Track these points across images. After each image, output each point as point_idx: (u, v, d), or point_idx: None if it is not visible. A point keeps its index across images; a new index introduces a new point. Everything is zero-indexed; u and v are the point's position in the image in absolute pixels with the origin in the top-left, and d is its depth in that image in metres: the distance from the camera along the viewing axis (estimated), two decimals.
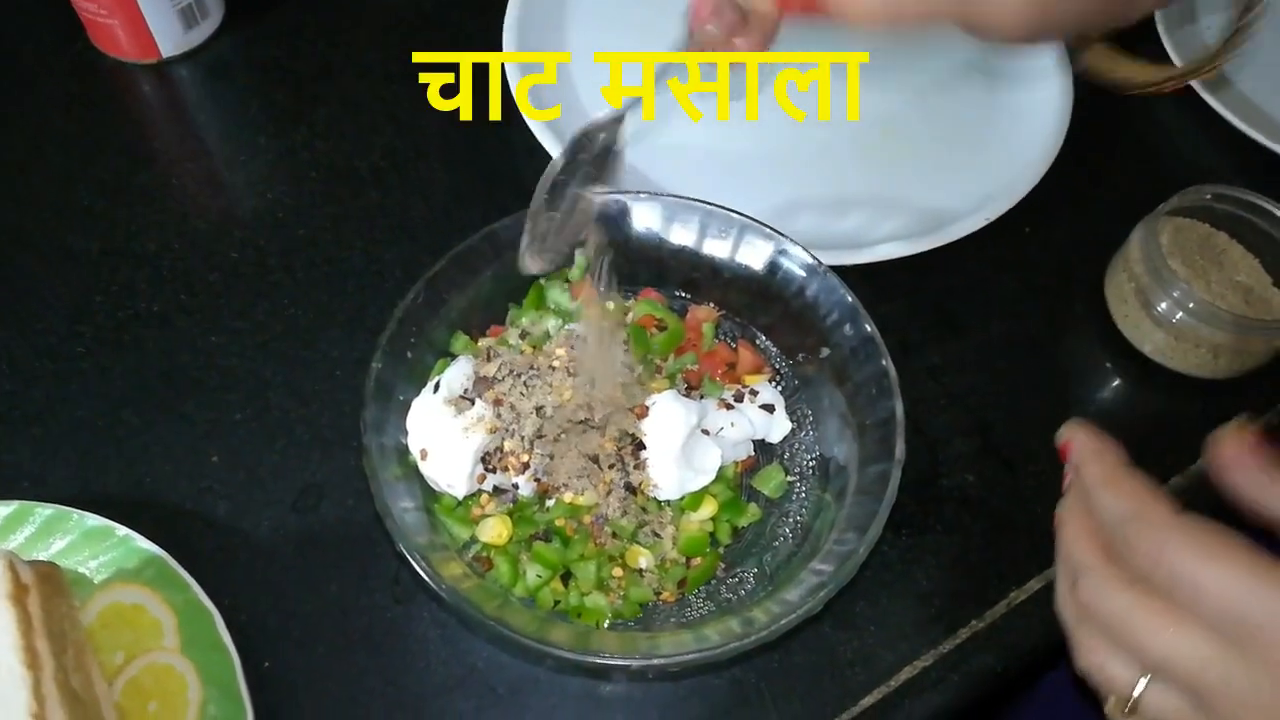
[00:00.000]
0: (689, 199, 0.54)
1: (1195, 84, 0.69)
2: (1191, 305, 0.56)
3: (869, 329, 0.50)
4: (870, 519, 0.45)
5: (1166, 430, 0.58)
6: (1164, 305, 0.57)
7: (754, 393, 0.52)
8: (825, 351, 0.52)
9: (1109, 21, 0.42)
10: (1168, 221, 0.60)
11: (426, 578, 0.43)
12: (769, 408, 0.52)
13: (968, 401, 0.58)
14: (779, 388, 0.55)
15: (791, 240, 0.53)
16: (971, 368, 0.60)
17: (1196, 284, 0.58)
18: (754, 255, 0.54)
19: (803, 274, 0.53)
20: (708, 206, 0.54)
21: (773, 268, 0.53)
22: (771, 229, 0.53)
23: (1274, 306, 0.59)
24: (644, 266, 0.56)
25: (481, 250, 0.52)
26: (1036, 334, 0.61)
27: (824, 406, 0.53)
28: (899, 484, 0.46)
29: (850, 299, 0.51)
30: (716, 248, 0.54)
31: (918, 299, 0.62)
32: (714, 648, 0.43)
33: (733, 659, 0.42)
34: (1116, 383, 0.60)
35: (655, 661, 0.43)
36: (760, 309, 0.55)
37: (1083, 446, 0.39)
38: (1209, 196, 0.59)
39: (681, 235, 0.55)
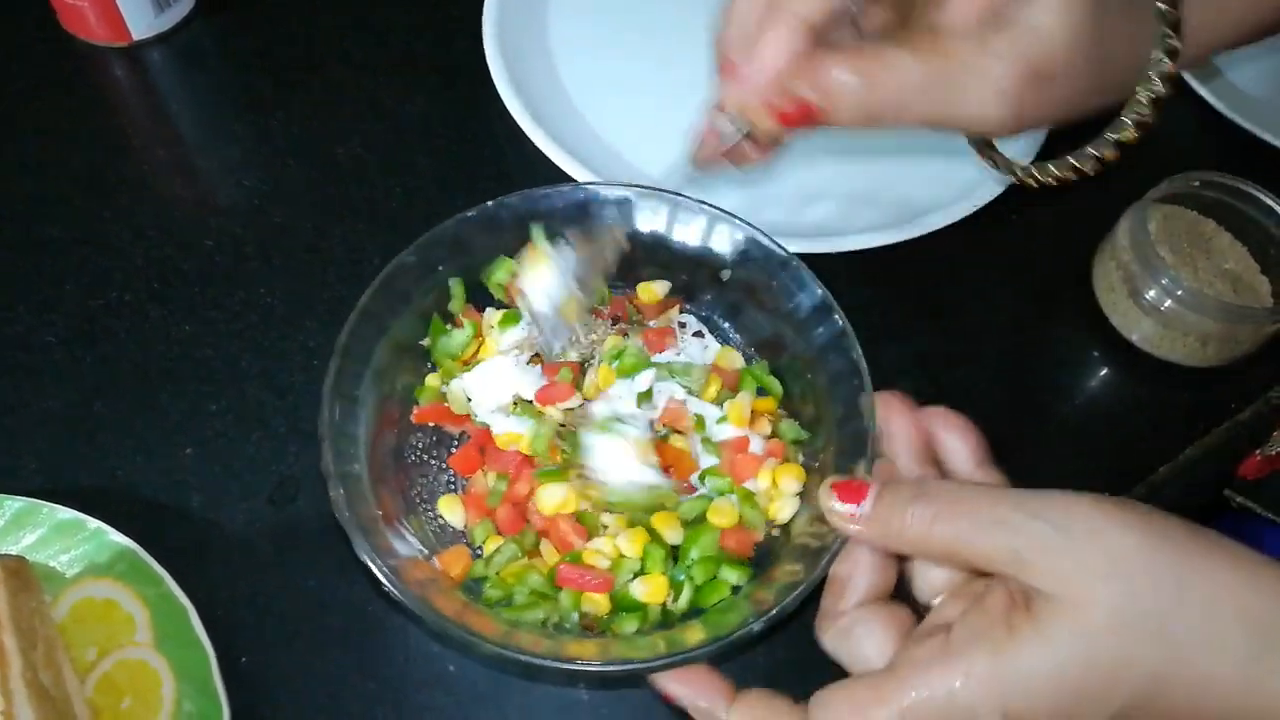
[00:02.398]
0: (657, 189, 0.53)
1: (1186, 73, 0.69)
2: (1180, 293, 0.55)
3: (841, 322, 0.49)
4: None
5: (1154, 419, 0.58)
6: (1152, 293, 0.56)
7: (681, 325, 0.54)
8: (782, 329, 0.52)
9: (1087, 113, 0.44)
10: (1156, 209, 0.60)
11: (385, 581, 0.42)
12: (699, 334, 0.54)
13: (954, 391, 0.57)
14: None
15: (760, 231, 0.52)
16: (958, 356, 0.59)
17: (1184, 271, 0.57)
18: (724, 245, 0.53)
19: (773, 265, 0.52)
20: (676, 197, 0.53)
21: (743, 258, 0.53)
22: (740, 220, 0.52)
23: (1261, 294, 0.58)
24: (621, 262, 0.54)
25: (442, 244, 0.52)
26: (1024, 322, 0.61)
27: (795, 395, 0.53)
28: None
29: (820, 291, 0.50)
30: (686, 235, 0.53)
31: (903, 288, 0.61)
32: (688, 651, 0.41)
33: (712, 659, 0.41)
34: (1104, 371, 0.59)
35: (631, 667, 0.41)
36: (729, 300, 0.54)
37: (684, 691, 0.40)
38: (1197, 183, 0.59)
39: (651, 224, 0.54)
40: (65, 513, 0.49)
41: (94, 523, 0.49)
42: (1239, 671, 0.31)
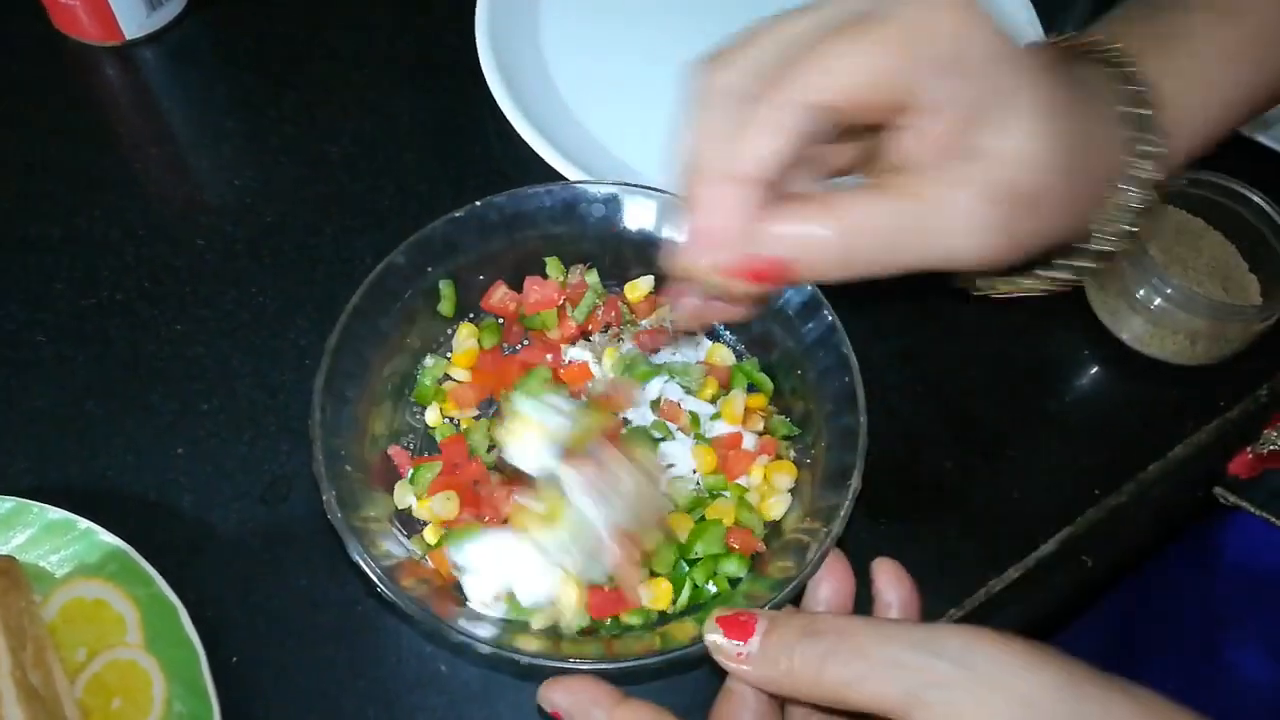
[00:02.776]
0: (645, 186, 0.53)
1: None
2: (1170, 291, 0.55)
3: (830, 318, 0.50)
4: (834, 510, 0.44)
5: (1144, 417, 0.58)
6: (1142, 292, 0.56)
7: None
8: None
9: (1080, 230, 0.43)
10: None
11: (374, 577, 0.42)
12: (690, 331, 0.54)
13: (945, 389, 0.58)
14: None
15: None
16: (948, 355, 0.59)
17: (1174, 270, 0.58)
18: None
19: (808, 318, 0.51)
20: (664, 195, 0.53)
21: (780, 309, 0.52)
22: None
23: (1251, 292, 0.58)
24: (597, 248, 0.55)
25: (434, 242, 0.52)
26: (1014, 321, 0.61)
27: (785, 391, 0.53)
28: (866, 473, 0.45)
29: (809, 287, 0.50)
30: (675, 233, 0.53)
31: (894, 287, 0.61)
32: (683, 648, 0.42)
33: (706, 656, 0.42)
34: (1094, 369, 0.59)
35: (627, 665, 0.42)
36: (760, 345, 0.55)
37: (570, 703, 0.39)
38: (1185, 182, 0.59)
39: (639, 222, 0.54)
40: (55, 512, 0.49)
41: (84, 523, 0.48)
42: None
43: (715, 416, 0.51)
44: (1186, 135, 0.44)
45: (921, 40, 0.34)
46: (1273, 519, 0.55)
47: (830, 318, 0.49)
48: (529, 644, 0.43)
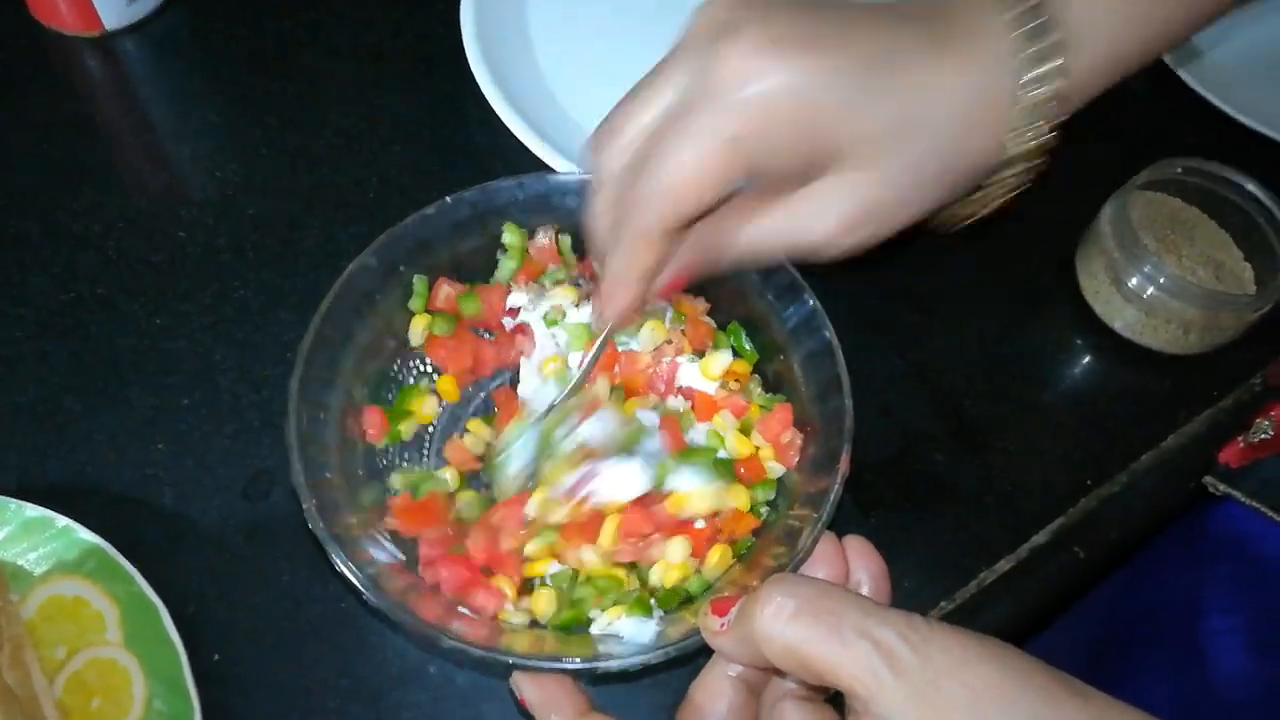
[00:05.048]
0: None
1: (1165, 56, 0.68)
2: (1163, 280, 0.55)
3: (811, 302, 0.49)
4: (823, 495, 0.44)
5: (1137, 407, 0.57)
6: (1135, 280, 0.56)
7: None
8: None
9: (971, 185, 0.43)
10: (1139, 196, 0.59)
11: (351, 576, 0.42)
12: None
13: (937, 381, 0.57)
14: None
15: None
16: (941, 346, 0.58)
17: (1168, 259, 0.57)
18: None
19: (789, 301, 0.51)
20: None
21: (760, 290, 0.51)
22: None
23: (1244, 280, 0.58)
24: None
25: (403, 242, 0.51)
26: (1007, 311, 0.60)
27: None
28: (858, 466, 0.45)
29: (792, 274, 0.50)
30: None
31: (886, 275, 0.61)
32: (675, 644, 0.41)
33: (629, 673, 0.41)
34: (1086, 359, 0.59)
35: (620, 664, 0.41)
36: (703, 286, 0.53)
37: (538, 699, 0.40)
38: (1180, 170, 0.59)
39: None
40: (33, 510, 0.48)
41: (62, 520, 0.48)
42: None
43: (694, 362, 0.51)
44: (1104, 40, 0.42)
45: (751, 117, 0.37)
46: (1263, 508, 0.54)
47: (811, 302, 0.49)
48: (518, 644, 0.42)
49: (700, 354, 0.52)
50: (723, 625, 0.36)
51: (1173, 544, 0.63)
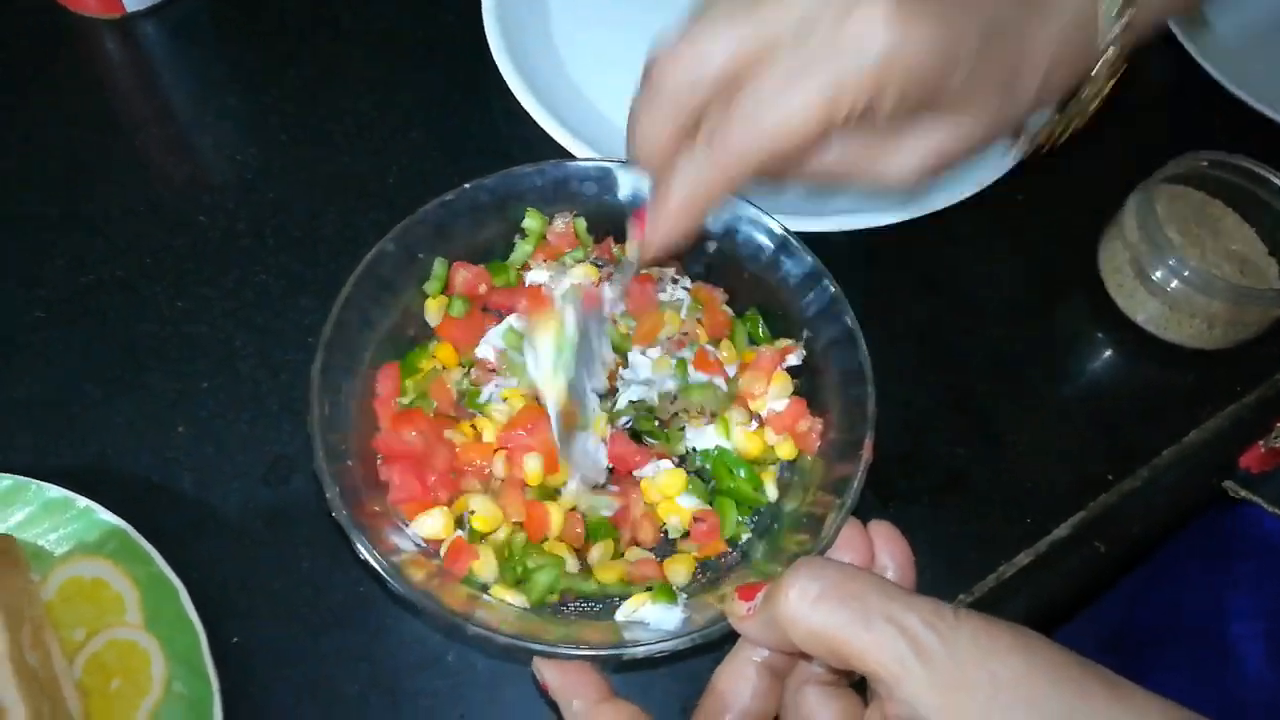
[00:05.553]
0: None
1: (1190, 48, 0.68)
2: (1187, 274, 0.54)
3: (832, 289, 0.49)
4: (846, 481, 0.44)
5: (1158, 401, 0.57)
6: (1159, 274, 0.55)
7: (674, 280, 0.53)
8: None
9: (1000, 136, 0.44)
10: (1163, 189, 0.59)
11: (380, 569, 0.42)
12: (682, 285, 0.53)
13: (956, 372, 0.57)
14: None
15: (753, 204, 0.51)
16: (961, 338, 0.58)
17: (1192, 253, 0.57)
18: (713, 220, 0.52)
19: (765, 239, 0.51)
20: None
21: (729, 232, 0.52)
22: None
23: (1269, 276, 0.58)
24: (592, 224, 0.54)
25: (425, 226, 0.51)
26: (1029, 304, 0.60)
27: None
28: (876, 458, 0.45)
29: (810, 259, 0.50)
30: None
31: (908, 268, 0.60)
32: (701, 630, 0.41)
33: (655, 660, 0.41)
34: (1108, 352, 0.58)
35: (638, 651, 0.41)
36: (723, 274, 0.54)
37: (559, 684, 0.40)
38: (1205, 164, 0.58)
39: (633, 195, 0.53)
40: (54, 491, 0.48)
41: (83, 501, 0.48)
42: None
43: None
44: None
45: (881, 80, 0.37)
46: None
47: (832, 289, 0.49)
48: (545, 631, 0.42)
49: (716, 342, 0.52)
50: (749, 610, 0.36)
51: (1194, 542, 0.63)
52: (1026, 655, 0.31)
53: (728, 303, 0.54)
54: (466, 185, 0.51)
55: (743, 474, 0.49)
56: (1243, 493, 0.55)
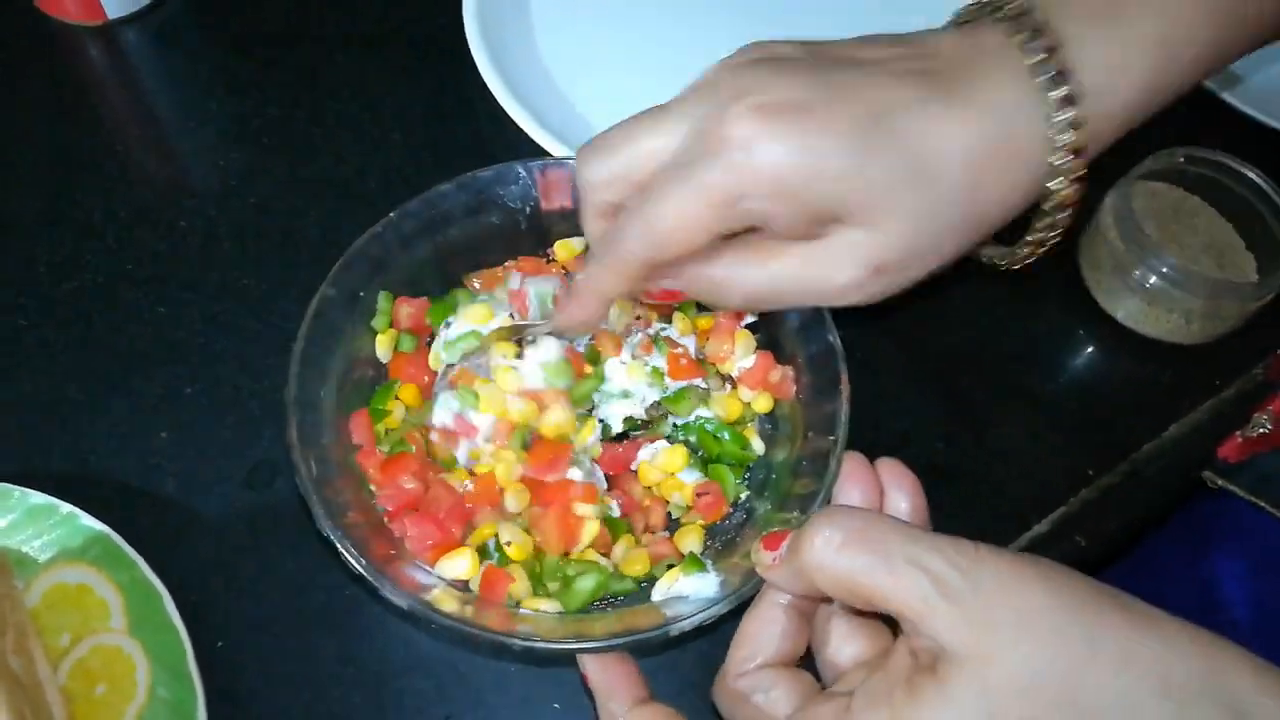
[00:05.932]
0: (556, 159, 0.53)
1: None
2: (1165, 269, 0.55)
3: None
4: (833, 417, 0.45)
5: (1138, 396, 0.57)
6: (1138, 270, 0.56)
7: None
8: None
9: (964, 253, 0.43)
10: (1141, 185, 0.59)
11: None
12: None
13: (937, 368, 0.57)
14: None
15: None
16: (941, 334, 0.58)
17: (1170, 248, 0.57)
18: None
19: None
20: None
21: None
22: None
23: (1247, 270, 0.58)
24: (525, 229, 0.54)
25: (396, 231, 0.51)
26: (1008, 300, 0.60)
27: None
28: (855, 446, 0.45)
29: None
30: None
31: None
32: (733, 593, 0.41)
33: (699, 629, 0.41)
34: (1089, 349, 0.59)
35: (685, 625, 0.41)
36: None
37: (600, 681, 0.41)
38: (1182, 160, 0.58)
39: (560, 193, 0.53)
40: (37, 497, 0.48)
41: (66, 507, 0.48)
42: None
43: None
44: (1124, 88, 0.41)
45: (745, 181, 0.38)
46: (1261, 503, 0.54)
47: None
48: (594, 628, 0.42)
49: (667, 318, 0.52)
50: (775, 560, 0.37)
51: (1175, 535, 0.63)
52: (1048, 587, 0.31)
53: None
54: (392, 214, 0.50)
55: (726, 436, 0.50)
56: (1220, 481, 0.55)
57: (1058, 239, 0.45)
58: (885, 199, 0.39)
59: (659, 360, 0.50)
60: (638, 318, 0.51)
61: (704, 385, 0.50)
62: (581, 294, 0.44)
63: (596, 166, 0.42)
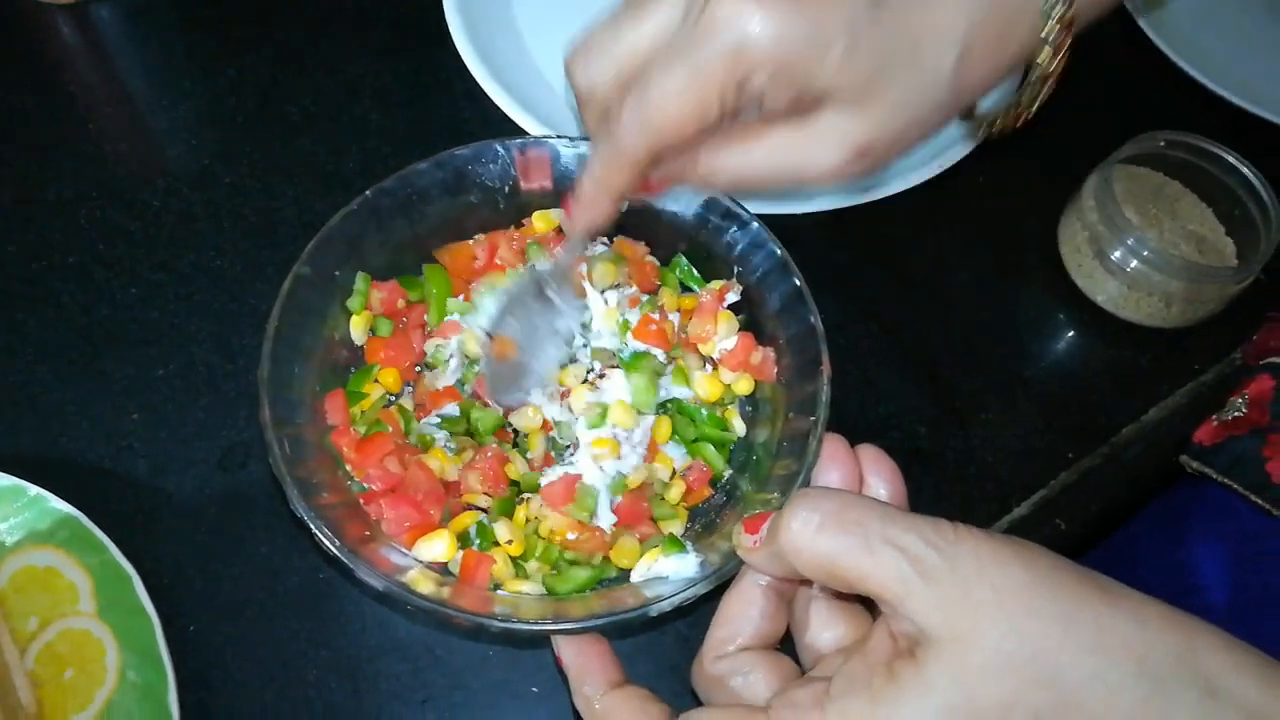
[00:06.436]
0: (535, 139, 0.53)
1: (1147, 30, 0.68)
2: (1145, 253, 0.55)
3: (754, 223, 0.50)
4: (813, 399, 0.45)
5: (1118, 380, 0.57)
6: (1118, 254, 0.56)
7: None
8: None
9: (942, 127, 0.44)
10: (1121, 170, 0.59)
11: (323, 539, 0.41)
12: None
13: (919, 353, 0.57)
14: None
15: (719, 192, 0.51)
16: (923, 319, 0.58)
17: (1150, 232, 0.57)
18: (681, 204, 0.52)
19: (730, 224, 0.51)
20: (546, 140, 0.52)
21: (701, 219, 0.52)
22: None
23: (1226, 254, 0.58)
24: (503, 206, 0.54)
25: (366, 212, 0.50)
26: (989, 285, 0.60)
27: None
28: (836, 430, 0.44)
29: (774, 246, 0.50)
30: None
31: (869, 249, 0.60)
32: (713, 573, 0.41)
33: (678, 609, 0.41)
34: (1069, 333, 0.59)
35: (665, 605, 0.41)
36: (641, 227, 0.53)
37: (575, 664, 0.40)
38: (1162, 143, 0.58)
39: (537, 171, 0.53)
40: (4, 479, 0.47)
41: (34, 489, 0.47)
42: (1128, 714, 0.30)
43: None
44: None
45: (742, 61, 0.38)
46: (1234, 485, 0.54)
47: (754, 224, 0.50)
48: (574, 610, 0.42)
49: (650, 294, 0.52)
50: (755, 542, 0.37)
51: (1153, 519, 0.64)
52: (1026, 566, 0.31)
53: (651, 254, 0.54)
54: (367, 193, 0.50)
55: (705, 415, 0.49)
56: (1195, 465, 0.55)
57: (1033, 112, 0.47)
58: (878, 80, 0.40)
59: (633, 316, 0.50)
60: (618, 285, 0.51)
61: (662, 359, 0.50)
62: (590, 194, 0.44)
63: (590, 70, 0.43)
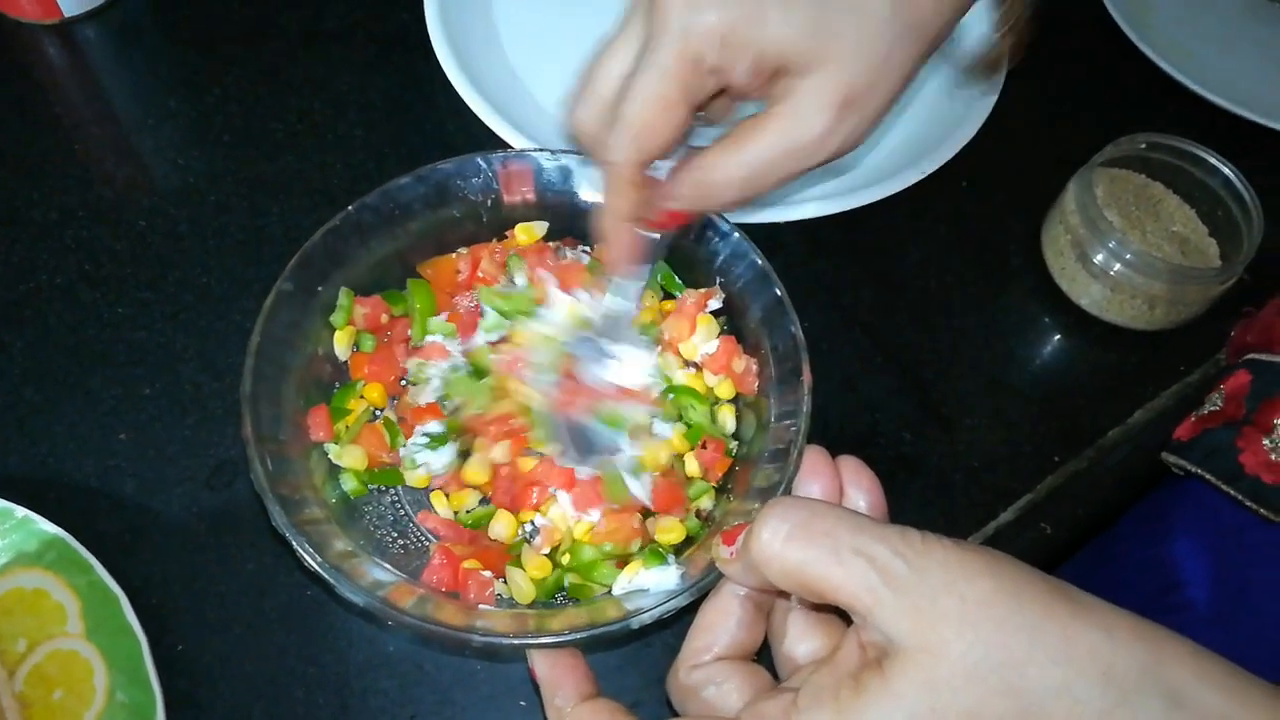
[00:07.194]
0: (517, 152, 0.53)
1: (1128, 31, 0.68)
2: (1128, 256, 0.55)
3: (736, 234, 0.50)
4: (795, 409, 0.45)
5: (1103, 383, 0.57)
6: (1101, 257, 0.56)
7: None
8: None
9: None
10: (1103, 173, 0.59)
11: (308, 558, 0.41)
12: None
13: (903, 359, 0.57)
14: None
15: None
16: (907, 325, 0.58)
17: (1133, 235, 0.57)
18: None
19: (711, 235, 0.51)
20: (529, 153, 0.53)
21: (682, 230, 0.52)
22: None
23: (1209, 255, 0.58)
24: (556, 222, 0.54)
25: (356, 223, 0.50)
26: (973, 289, 0.60)
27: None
28: (821, 437, 0.44)
29: (755, 257, 0.50)
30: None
31: (853, 255, 0.60)
32: (693, 585, 0.41)
33: (662, 621, 0.41)
34: (1054, 336, 0.59)
35: (645, 617, 0.41)
36: (673, 269, 0.54)
37: (547, 676, 0.40)
38: (1144, 145, 0.59)
39: (520, 184, 0.53)
40: None
41: (21, 511, 0.47)
42: None
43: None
44: None
45: (692, 44, 0.41)
46: (1208, 476, 0.54)
47: (736, 234, 0.50)
48: (553, 623, 0.42)
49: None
50: (731, 553, 0.37)
51: (1137, 518, 0.64)
52: (994, 577, 0.31)
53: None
54: (350, 208, 0.50)
55: (696, 404, 0.50)
56: (1172, 458, 0.55)
57: (1021, 28, 0.48)
58: (824, 32, 0.41)
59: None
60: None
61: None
62: (607, 227, 0.47)
63: (580, 111, 0.45)
